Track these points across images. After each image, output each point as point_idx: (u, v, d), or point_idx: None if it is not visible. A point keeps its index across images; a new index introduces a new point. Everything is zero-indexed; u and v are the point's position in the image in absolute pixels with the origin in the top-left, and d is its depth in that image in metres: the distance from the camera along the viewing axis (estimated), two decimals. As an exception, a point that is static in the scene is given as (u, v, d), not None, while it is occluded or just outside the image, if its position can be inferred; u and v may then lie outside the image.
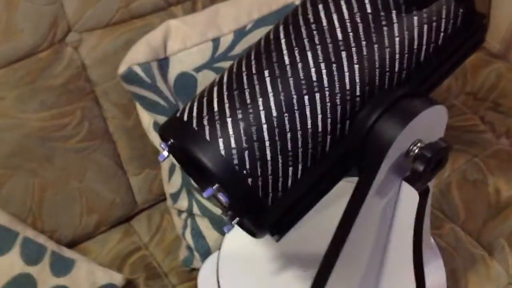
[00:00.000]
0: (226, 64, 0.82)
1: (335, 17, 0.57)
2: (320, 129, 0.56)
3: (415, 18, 0.59)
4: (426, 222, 0.69)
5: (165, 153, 0.59)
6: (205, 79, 0.81)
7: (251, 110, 0.55)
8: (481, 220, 1.02)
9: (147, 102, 0.80)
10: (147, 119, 0.83)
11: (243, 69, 0.58)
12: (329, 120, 0.56)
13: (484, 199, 1.04)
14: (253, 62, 0.58)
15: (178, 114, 0.59)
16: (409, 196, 0.63)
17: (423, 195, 0.62)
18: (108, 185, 0.94)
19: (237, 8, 0.84)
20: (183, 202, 0.90)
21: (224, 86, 0.58)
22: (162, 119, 0.82)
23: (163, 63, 0.80)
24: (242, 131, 0.55)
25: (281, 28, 0.59)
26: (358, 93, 0.57)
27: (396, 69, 0.59)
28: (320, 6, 0.59)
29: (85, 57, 0.84)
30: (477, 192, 1.05)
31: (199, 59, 0.81)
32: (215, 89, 0.58)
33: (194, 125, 0.56)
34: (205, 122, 0.55)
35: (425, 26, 0.59)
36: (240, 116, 0.55)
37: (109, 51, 0.84)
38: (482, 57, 1.35)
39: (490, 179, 1.07)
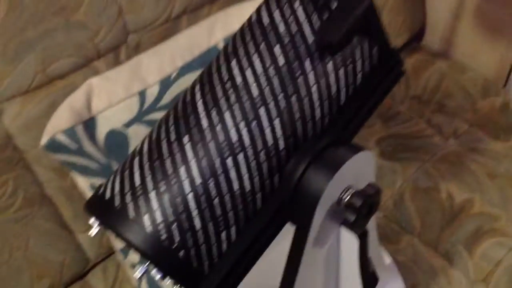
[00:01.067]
0: (156, 116, 0.79)
1: (248, 73, 0.56)
2: (248, 189, 0.55)
3: (330, 63, 0.57)
4: (374, 251, 0.68)
5: (95, 230, 0.57)
6: (136, 134, 0.78)
7: (174, 181, 0.53)
8: (438, 229, 1.02)
9: (78, 167, 0.78)
10: (83, 182, 0.81)
11: (162, 136, 0.56)
12: (256, 178, 0.55)
13: (438, 206, 1.04)
14: (171, 128, 0.56)
15: (100, 191, 0.56)
16: (349, 238, 0.62)
17: (362, 237, 0.61)
18: (55, 247, 0.91)
19: (160, 57, 0.82)
20: (133, 256, 0.87)
21: (145, 157, 0.56)
22: (97, 181, 0.79)
23: (89, 124, 0.78)
24: (167, 204, 0.53)
25: (197, 88, 0.58)
26: (282, 147, 0.56)
27: (318, 116, 0.57)
28: (233, 62, 0.57)
29: (9, 126, 0.81)
30: (430, 200, 1.06)
31: (127, 114, 0.79)
32: (136, 160, 0.56)
33: (117, 203, 0.54)
34: (128, 199, 0.54)
35: (341, 70, 0.58)
36: (163, 188, 0.53)
37: (33, 117, 0.81)
38: (423, 58, 1.35)
39: (442, 184, 1.07)
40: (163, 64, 0.81)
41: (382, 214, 1.04)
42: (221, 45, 0.84)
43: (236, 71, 0.56)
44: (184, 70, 0.82)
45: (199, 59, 0.83)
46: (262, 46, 0.58)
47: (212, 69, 0.58)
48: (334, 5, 0.59)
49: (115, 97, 0.79)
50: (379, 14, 0.59)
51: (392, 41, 1.27)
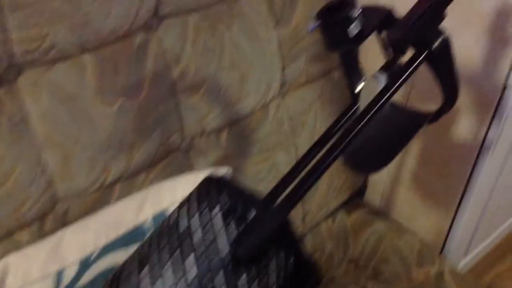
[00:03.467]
0: (72, 298, 0.75)
1: (159, 284, 0.55)
2: None
3: (244, 276, 0.56)
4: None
5: None
6: (48, 317, 0.74)
7: None
8: None
9: None
10: None
11: None
12: None
13: None
14: None
15: None
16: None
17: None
18: None
19: (83, 234, 0.79)
20: None
21: None
22: None
23: (1, 305, 0.73)
24: None
25: None
26: None
27: None
28: (146, 269, 0.56)
29: None
30: None
31: (41, 295, 0.75)
32: None
33: None
34: None
35: (255, 282, 0.57)
36: None
37: None
38: (364, 217, 1.36)
39: None
40: (85, 242, 0.79)
41: None
42: (149, 224, 0.82)
43: (146, 280, 0.55)
44: (106, 249, 0.80)
45: (124, 238, 0.81)
46: (176, 254, 0.58)
47: (125, 272, 0.57)
48: (251, 215, 0.59)
49: (30, 277, 0.75)
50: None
51: (333, 198, 1.29)
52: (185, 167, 1.00)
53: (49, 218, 0.85)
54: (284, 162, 1.14)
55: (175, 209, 0.65)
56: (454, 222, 1.28)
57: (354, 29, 0.67)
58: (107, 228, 0.81)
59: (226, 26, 0.94)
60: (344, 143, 0.66)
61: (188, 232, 0.60)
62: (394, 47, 0.68)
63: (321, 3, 1.01)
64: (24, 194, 0.80)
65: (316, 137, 0.74)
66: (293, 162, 0.72)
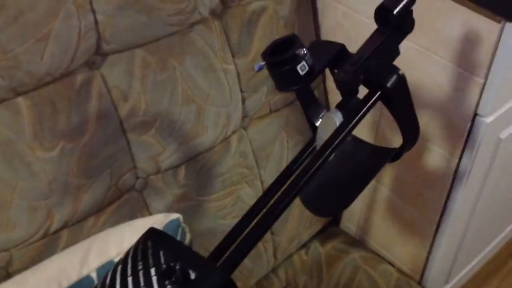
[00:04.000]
0: None
1: None
2: None
3: None
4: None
5: None
6: None
7: None
8: None
9: None
10: None
11: None
12: None
13: None
14: None
15: None
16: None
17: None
18: None
19: (22, 290, 0.74)
20: None
21: None
22: None
23: None
24: None
25: None
26: None
27: None
28: None
29: None
30: None
31: None
32: None
33: None
34: None
35: None
36: None
37: None
38: (338, 246, 1.31)
39: None
40: (23, 300, 0.73)
41: None
42: (93, 276, 0.77)
43: None
44: (48, 306, 0.74)
45: (66, 293, 0.75)
46: None
47: None
48: (194, 275, 0.54)
49: None
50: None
51: (306, 228, 1.23)
52: (140, 208, 0.94)
53: (-12, 270, 0.80)
54: (250, 196, 1.09)
55: (113, 267, 0.60)
56: (432, 250, 1.23)
57: (302, 68, 0.62)
58: (49, 282, 0.75)
59: (177, 60, 0.89)
60: (298, 187, 0.61)
61: None
62: (343, 89, 0.63)
63: (280, 33, 0.97)
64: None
65: (283, 168, 0.69)
66: (259, 195, 0.67)
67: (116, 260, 0.73)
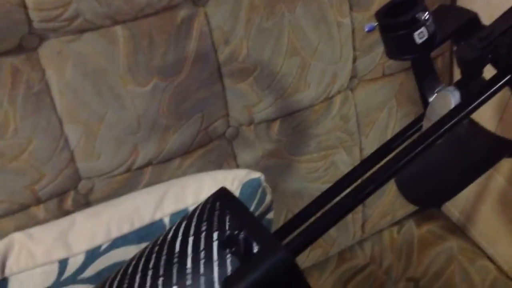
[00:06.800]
0: (74, 288, 0.70)
1: None
2: None
3: None
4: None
5: None
6: (47, 304, 0.70)
7: None
8: None
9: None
10: None
11: None
12: None
13: None
14: None
15: None
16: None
17: None
18: None
19: (96, 222, 0.73)
20: None
21: None
22: None
23: (0, 285, 0.70)
24: None
25: None
26: None
27: None
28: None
29: None
30: None
31: (42, 282, 0.70)
32: None
33: None
34: None
35: None
36: None
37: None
38: (436, 230, 1.21)
39: None
40: (95, 232, 0.73)
41: None
42: (166, 221, 0.75)
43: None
44: (118, 242, 0.73)
45: (137, 233, 0.74)
46: (158, 282, 0.49)
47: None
48: (256, 249, 0.50)
49: (33, 261, 0.71)
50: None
51: (402, 206, 1.14)
52: (227, 157, 0.91)
53: (70, 196, 0.81)
54: (345, 163, 1.01)
55: (177, 223, 0.56)
56: (541, 257, 1.10)
57: (420, 35, 0.53)
58: (122, 219, 0.74)
59: (287, 6, 0.82)
60: (393, 169, 0.53)
61: (179, 257, 0.51)
62: (466, 68, 0.54)
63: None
64: (41, 169, 0.75)
65: (387, 139, 0.62)
66: (356, 163, 0.60)
67: (191, 208, 0.70)
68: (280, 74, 0.86)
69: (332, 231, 1.08)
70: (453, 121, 0.53)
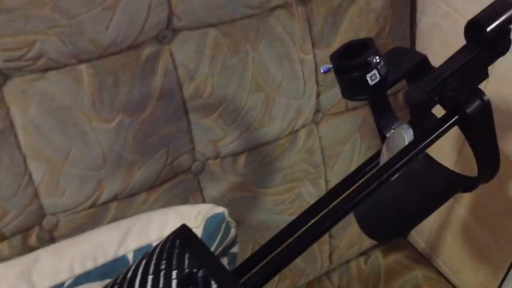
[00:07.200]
0: (36, 327, 0.70)
1: None
2: None
3: None
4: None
5: None
6: None
7: None
8: None
9: None
10: None
11: None
12: None
13: None
14: None
15: None
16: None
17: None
18: None
19: (58, 259, 0.73)
20: None
21: None
22: None
23: (-40, 325, 0.69)
24: None
25: None
26: None
27: None
28: None
29: None
30: None
31: (3, 320, 0.70)
32: None
33: None
34: None
35: None
36: None
37: None
38: (402, 260, 1.23)
39: None
40: (59, 268, 0.73)
41: None
42: (130, 257, 0.75)
43: None
44: (81, 279, 0.73)
45: (101, 269, 0.74)
46: None
47: None
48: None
49: (-6, 299, 0.70)
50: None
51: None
52: (193, 191, 0.91)
53: (34, 232, 0.80)
54: (311, 195, 1.03)
55: (137, 261, 0.57)
56: (503, 285, 1.12)
57: (373, 77, 0.55)
58: (85, 256, 0.74)
59: (251, 44, 0.84)
60: (351, 203, 0.55)
61: None
62: (413, 110, 0.56)
63: (369, 27, 0.89)
64: (4, 206, 0.75)
65: (351, 171, 0.63)
66: (322, 195, 0.61)
67: (154, 244, 0.71)
68: (245, 109, 0.88)
69: (300, 262, 1.09)
70: (407, 157, 0.55)
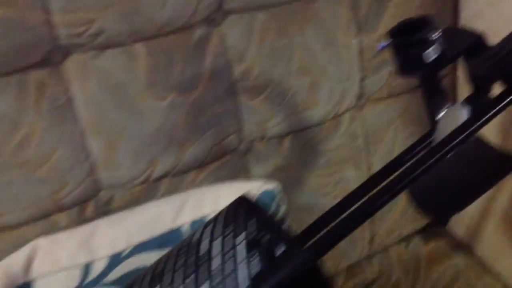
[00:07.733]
0: (96, 291, 0.74)
1: None
2: None
3: None
4: None
5: None
6: (69, 307, 0.73)
7: None
8: None
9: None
10: None
11: None
12: None
13: None
14: None
15: None
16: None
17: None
18: None
19: (116, 229, 0.77)
20: None
21: None
22: None
23: None
24: None
25: None
26: None
27: None
28: None
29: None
30: None
31: (66, 285, 0.74)
32: None
33: None
34: None
35: None
36: None
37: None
38: (442, 247, 1.24)
39: None
40: (117, 238, 0.77)
41: None
42: (186, 229, 0.78)
43: None
44: (138, 248, 0.77)
45: (157, 240, 0.77)
46: (190, 279, 0.52)
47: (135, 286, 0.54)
48: (280, 250, 0.52)
49: (57, 264, 0.74)
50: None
51: (409, 222, 1.17)
52: (240, 171, 0.95)
53: (91, 204, 0.85)
54: (354, 179, 1.05)
55: (201, 226, 0.60)
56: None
57: (431, 53, 0.57)
58: (143, 226, 0.78)
59: (298, 28, 0.87)
60: (407, 179, 0.56)
61: (208, 256, 0.54)
62: (476, 83, 0.57)
63: (413, 13, 0.90)
64: (63, 178, 0.80)
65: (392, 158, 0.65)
66: (364, 180, 0.63)
67: (210, 217, 0.74)
68: (291, 92, 0.91)
69: (342, 244, 1.11)
70: (462, 136, 0.56)
